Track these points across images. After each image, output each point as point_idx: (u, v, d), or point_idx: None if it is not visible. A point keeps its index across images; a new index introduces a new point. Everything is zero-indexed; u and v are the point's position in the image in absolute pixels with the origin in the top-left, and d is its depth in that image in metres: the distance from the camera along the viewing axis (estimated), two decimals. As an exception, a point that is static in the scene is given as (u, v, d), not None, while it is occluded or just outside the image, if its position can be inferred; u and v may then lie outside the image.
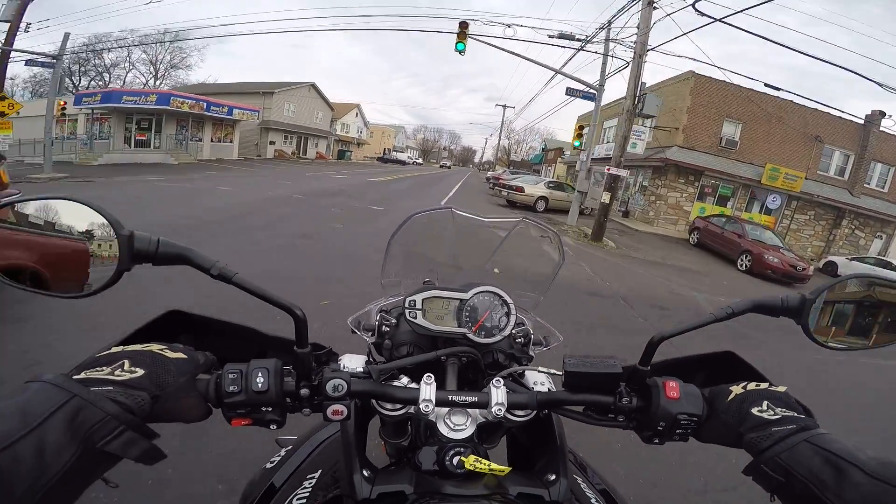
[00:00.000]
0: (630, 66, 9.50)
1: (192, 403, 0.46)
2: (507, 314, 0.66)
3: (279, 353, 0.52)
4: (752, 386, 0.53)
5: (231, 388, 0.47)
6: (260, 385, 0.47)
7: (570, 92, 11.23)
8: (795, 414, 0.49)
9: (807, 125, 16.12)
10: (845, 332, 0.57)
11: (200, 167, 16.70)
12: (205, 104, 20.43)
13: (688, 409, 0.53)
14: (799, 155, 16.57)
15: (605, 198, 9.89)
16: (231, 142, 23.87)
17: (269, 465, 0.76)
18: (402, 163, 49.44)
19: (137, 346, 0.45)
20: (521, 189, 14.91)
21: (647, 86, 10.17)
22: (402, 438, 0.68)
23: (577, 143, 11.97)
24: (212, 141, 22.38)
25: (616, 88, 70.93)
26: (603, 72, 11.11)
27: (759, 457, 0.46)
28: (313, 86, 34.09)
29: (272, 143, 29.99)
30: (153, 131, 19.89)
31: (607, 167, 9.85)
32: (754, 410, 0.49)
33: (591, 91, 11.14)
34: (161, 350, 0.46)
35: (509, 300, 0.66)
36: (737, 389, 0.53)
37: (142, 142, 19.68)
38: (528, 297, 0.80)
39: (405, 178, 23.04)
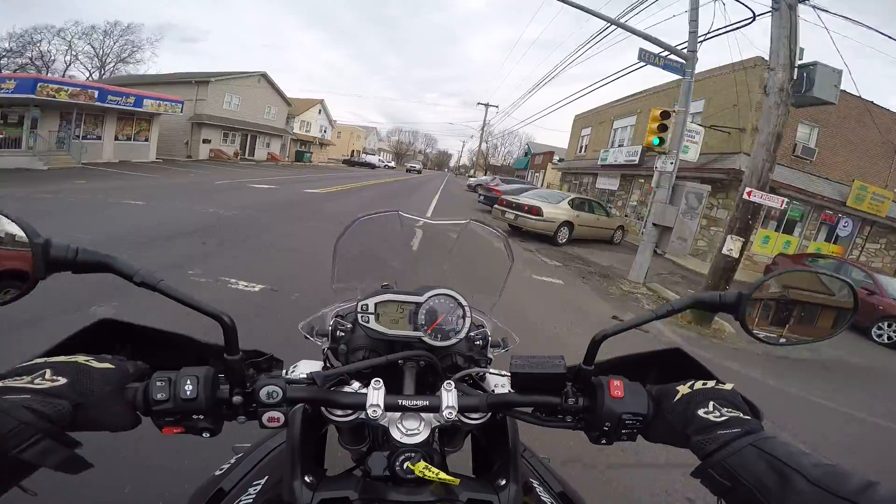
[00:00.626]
0: (773, 17, 5.24)
1: (117, 412, 0.45)
2: (463, 317, 0.65)
3: (219, 363, 0.51)
4: (699, 385, 0.52)
5: (159, 396, 0.46)
6: (188, 392, 0.46)
7: (645, 56, 6.88)
8: (741, 415, 0.48)
9: (890, 131, 12.59)
10: (777, 328, 0.61)
11: (77, 174, 11.76)
12: (97, 92, 14.94)
13: (632, 409, 0.52)
14: (877, 168, 13.04)
15: (733, 248, 5.48)
16: (146, 140, 18.31)
17: (217, 472, 0.73)
18: (372, 166, 45.73)
19: (62, 358, 0.45)
20: (537, 211, 10.03)
21: (688, 74, 6.53)
22: (362, 445, 0.66)
23: (655, 142, 7.01)
24: (117, 139, 16.90)
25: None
26: (695, 33, 6.83)
27: (705, 460, 0.46)
28: (264, 76, 29.17)
29: (206, 141, 24.57)
30: (27, 127, 14.18)
31: (747, 191, 5.40)
32: (700, 412, 0.49)
33: (677, 59, 6.83)
34: (87, 361, 0.45)
35: (464, 303, 0.66)
36: (683, 389, 0.52)
37: (6, 141, 13.89)
38: (484, 298, 0.80)
39: (363, 189, 17.11)
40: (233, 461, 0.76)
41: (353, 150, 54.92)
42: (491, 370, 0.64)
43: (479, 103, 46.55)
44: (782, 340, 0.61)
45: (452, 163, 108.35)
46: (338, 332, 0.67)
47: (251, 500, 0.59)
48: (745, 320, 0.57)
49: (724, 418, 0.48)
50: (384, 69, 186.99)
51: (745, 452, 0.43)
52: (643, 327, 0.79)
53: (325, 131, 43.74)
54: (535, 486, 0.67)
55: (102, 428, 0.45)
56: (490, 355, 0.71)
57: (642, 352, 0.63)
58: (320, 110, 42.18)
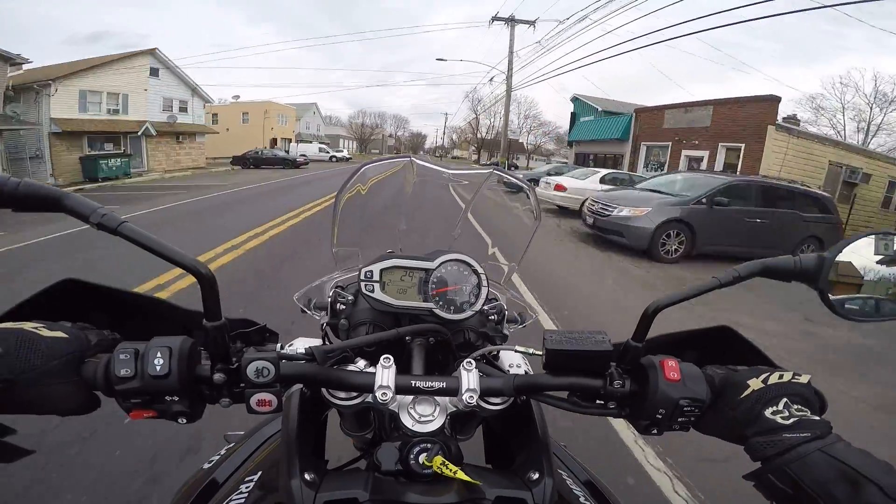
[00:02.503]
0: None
1: (66, 391, 0.39)
2: (479, 286, 0.60)
3: (201, 334, 0.44)
4: (773, 378, 0.46)
5: (122, 372, 0.39)
6: (158, 368, 0.39)
7: None
8: (810, 414, 0.44)
9: None
10: (867, 299, 0.50)
11: None
12: None
13: (691, 394, 0.46)
14: None
15: None
16: None
17: (207, 465, 0.68)
18: (293, 163, 27.27)
19: (7, 324, 0.39)
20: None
21: None
22: (366, 431, 0.63)
23: None
24: None
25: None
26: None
27: (765, 464, 0.42)
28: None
29: None
30: None
31: None
32: (768, 412, 0.44)
33: None
34: (35, 328, 0.39)
35: (480, 270, 0.60)
36: (755, 384, 0.46)
37: None
38: (500, 267, 0.76)
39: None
40: (223, 452, 0.71)
41: (274, 140, 38.72)
42: (517, 347, 0.56)
43: (495, 18, 21.70)
44: (875, 314, 0.51)
45: (429, 144, 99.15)
46: (338, 304, 0.62)
47: (242, 500, 0.52)
48: (826, 290, 0.49)
49: (792, 420, 0.43)
50: (344, 57, 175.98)
51: (812, 458, 0.40)
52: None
53: (181, 109, 22.07)
54: (564, 476, 0.61)
55: (46, 411, 0.39)
56: (506, 331, 0.66)
57: (685, 330, 0.58)
58: (154, 70, 20.09)
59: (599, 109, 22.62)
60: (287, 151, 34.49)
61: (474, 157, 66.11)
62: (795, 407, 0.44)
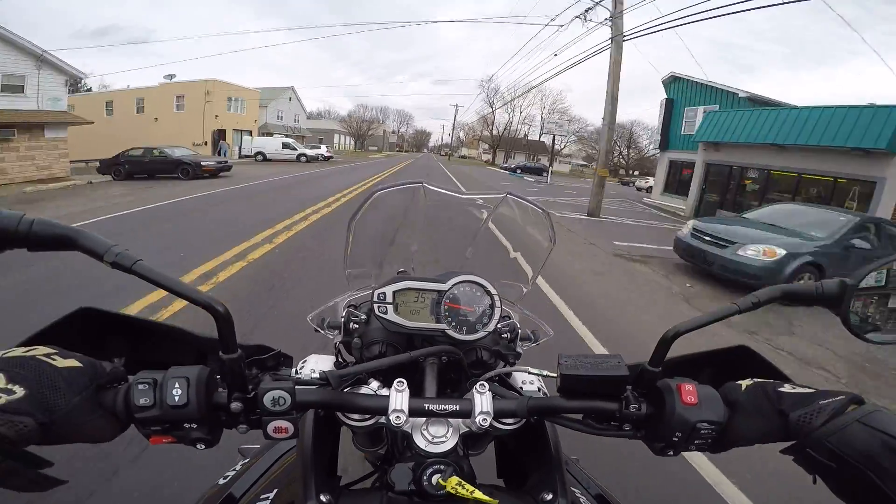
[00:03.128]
0: None
1: (95, 422, 0.39)
2: (492, 307, 0.60)
3: (216, 360, 0.45)
4: (759, 378, 0.48)
5: (142, 402, 0.40)
6: (177, 398, 0.40)
7: None
8: (831, 389, 0.44)
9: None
10: (891, 324, 0.52)
11: None
12: None
13: (708, 416, 0.47)
14: None
15: None
16: None
17: (222, 481, 0.69)
18: (193, 170, 14.29)
19: (18, 351, 0.38)
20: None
21: None
22: (379, 447, 0.63)
23: None
24: None
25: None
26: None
27: (805, 439, 0.42)
28: None
29: None
30: None
31: None
32: (783, 389, 0.45)
33: None
34: (48, 356, 0.38)
35: (493, 291, 0.61)
36: (745, 382, 0.49)
37: None
38: (513, 287, 0.77)
39: None
40: (238, 467, 0.72)
41: (221, 131, 27.44)
42: (530, 369, 0.58)
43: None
44: None
45: (433, 142, 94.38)
46: (351, 323, 0.63)
47: None
48: (848, 316, 0.49)
49: (813, 390, 0.43)
50: (348, 54, 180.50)
51: (852, 430, 0.39)
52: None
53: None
54: (578, 495, 0.61)
55: (79, 440, 0.39)
56: (519, 349, 0.66)
57: (701, 351, 0.58)
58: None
59: (740, 95, 15.32)
60: (240, 147, 27.54)
61: (485, 156, 61.41)
62: (802, 387, 0.45)
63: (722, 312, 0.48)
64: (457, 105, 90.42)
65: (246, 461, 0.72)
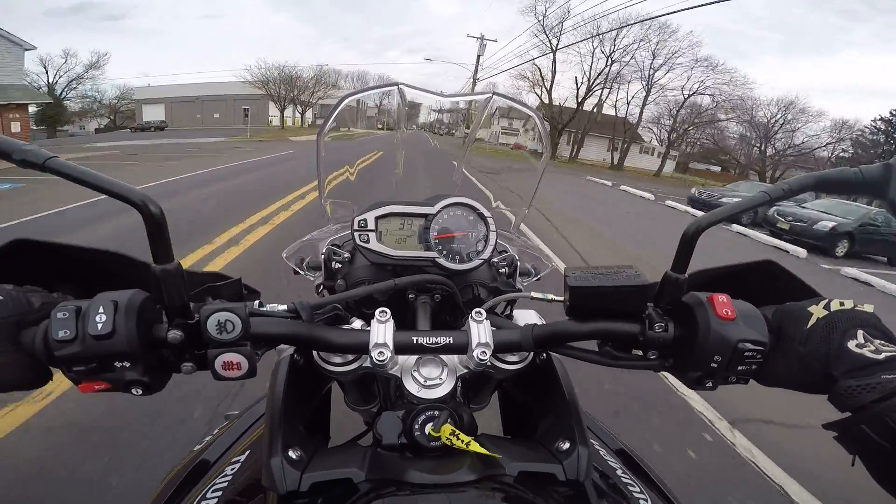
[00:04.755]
0: None
1: (3, 362, 0.34)
2: (486, 232, 0.56)
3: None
4: (835, 305, 0.40)
5: (61, 335, 0.33)
6: (100, 327, 0.33)
7: None
8: None
9: None
10: None
11: None
12: None
13: (751, 335, 0.39)
14: None
15: None
16: None
17: (198, 446, 0.65)
18: None
19: None
20: None
21: None
22: (372, 404, 0.57)
23: None
24: None
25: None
26: None
27: (859, 412, 0.36)
28: None
29: None
30: None
31: None
32: (851, 345, 0.38)
33: None
34: None
35: (487, 214, 0.56)
36: (817, 311, 0.40)
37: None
38: (509, 214, 0.70)
39: None
40: (216, 431, 0.67)
41: None
42: (533, 293, 0.51)
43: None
44: None
45: (424, 118, 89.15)
46: (333, 263, 0.59)
47: (226, 483, 0.49)
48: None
49: (883, 355, 0.37)
50: (338, 29, 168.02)
51: None
52: None
53: None
54: (597, 447, 0.57)
55: None
56: (519, 285, 0.62)
57: (723, 265, 0.51)
58: None
59: None
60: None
61: (522, 140, 35.04)
62: (879, 342, 0.38)
63: (750, 202, 0.43)
64: (441, 92, 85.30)
65: (224, 425, 0.68)
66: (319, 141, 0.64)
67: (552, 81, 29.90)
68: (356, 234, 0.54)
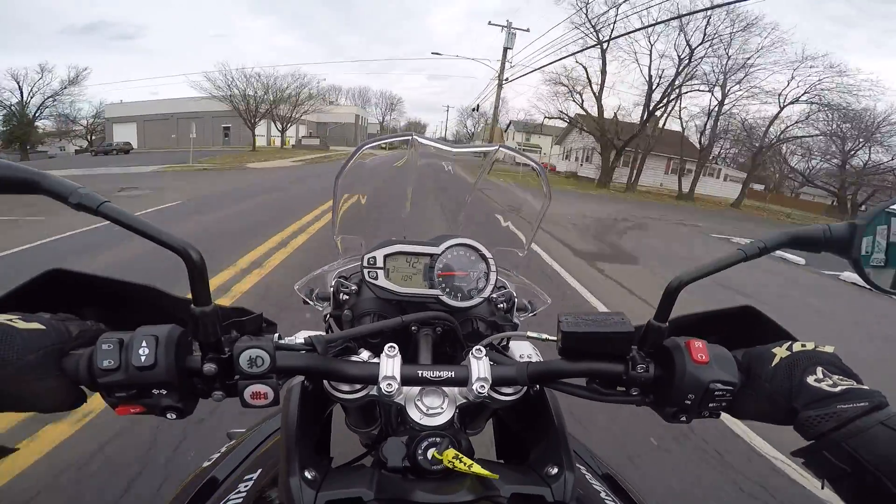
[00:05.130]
0: None
1: (46, 387, 0.37)
2: (487, 272, 0.59)
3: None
4: (797, 346, 0.45)
5: (105, 364, 0.37)
6: (143, 359, 0.37)
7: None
8: (856, 384, 0.41)
9: None
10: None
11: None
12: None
13: (721, 376, 0.44)
14: None
15: None
16: None
17: (206, 463, 0.68)
18: None
19: None
20: None
21: None
22: (372, 427, 0.61)
23: None
24: None
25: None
26: None
27: (819, 440, 0.40)
28: None
29: None
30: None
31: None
32: (810, 380, 0.42)
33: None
34: (9, 320, 0.37)
35: (488, 254, 0.60)
36: (780, 352, 0.45)
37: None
38: (508, 254, 0.75)
39: None
40: (223, 449, 0.70)
41: None
42: (529, 333, 0.55)
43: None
44: None
45: (430, 132, 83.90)
46: (341, 295, 0.62)
47: (240, 500, 0.52)
48: (860, 260, 0.47)
49: (839, 388, 0.41)
50: (345, 50, 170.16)
51: (874, 433, 0.37)
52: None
53: None
54: (583, 471, 0.61)
55: (26, 408, 0.37)
56: (516, 320, 0.65)
57: (705, 311, 0.56)
58: None
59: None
60: None
61: (559, 163, 32.35)
62: (836, 377, 0.42)
63: (727, 260, 0.46)
64: (448, 107, 79.07)
65: (231, 443, 0.71)
66: (337, 183, 0.67)
67: (601, 85, 22.77)
68: (365, 271, 0.56)
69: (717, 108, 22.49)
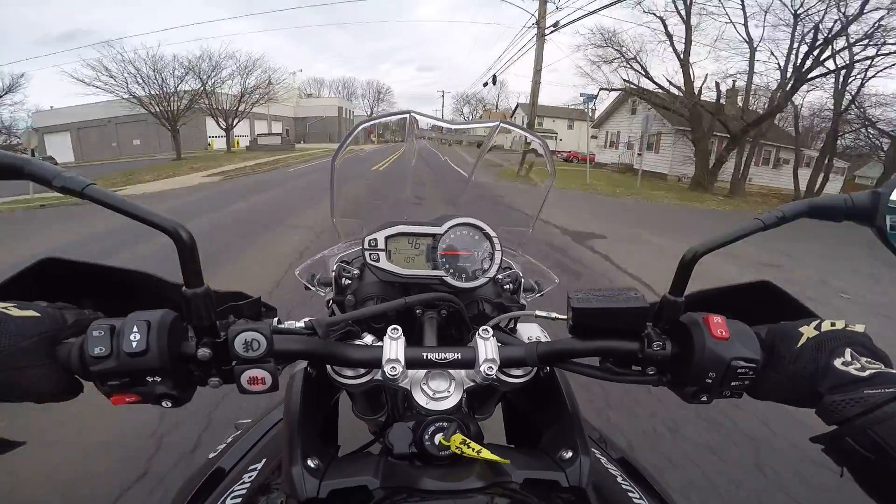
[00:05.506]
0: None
1: (39, 375, 0.37)
2: (492, 251, 0.58)
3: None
4: (826, 325, 0.43)
5: (97, 351, 0.36)
6: (135, 345, 0.36)
7: None
8: (884, 368, 0.40)
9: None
10: None
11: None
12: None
13: (744, 353, 0.42)
14: None
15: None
16: None
17: (212, 454, 0.67)
18: None
19: None
20: None
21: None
22: (380, 414, 0.60)
23: None
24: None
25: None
26: None
27: (844, 426, 0.39)
28: None
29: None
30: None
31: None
32: (837, 363, 0.41)
33: None
34: (4, 308, 0.37)
35: (492, 233, 0.58)
36: (808, 331, 0.43)
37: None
38: (513, 233, 0.72)
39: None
40: (229, 440, 0.69)
41: None
42: (538, 312, 0.54)
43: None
44: None
45: (424, 120, 77.02)
46: (343, 279, 0.61)
47: (244, 490, 0.52)
48: (884, 227, 0.45)
49: (868, 372, 0.39)
50: (330, 47, 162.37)
51: None
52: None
53: None
54: (598, 455, 0.59)
55: (19, 397, 0.37)
56: (523, 300, 0.64)
57: (721, 286, 0.54)
58: None
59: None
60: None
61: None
62: (865, 359, 0.41)
63: (745, 230, 0.44)
64: (443, 92, 72.07)
65: (237, 433, 0.70)
66: (334, 164, 0.66)
67: (686, 50, 15.41)
68: (367, 253, 0.55)
69: (856, 79, 14.24)
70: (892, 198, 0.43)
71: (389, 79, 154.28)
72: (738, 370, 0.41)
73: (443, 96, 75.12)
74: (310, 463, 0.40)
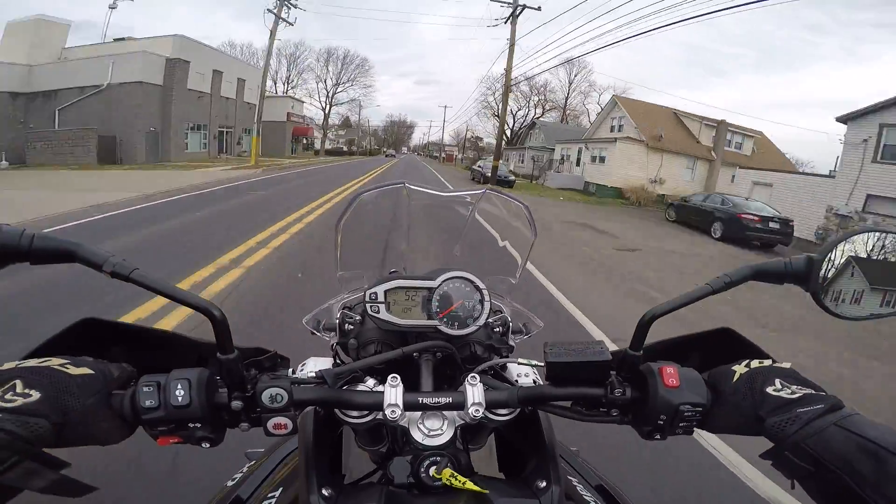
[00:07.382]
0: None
1: (106, 424, 0.42)
2: (481, 301, 0.63)
3: (216, 363, 0.48)
4: (755, 363, 0.50)
5: (147, 403, 0.43)
6: (180, 399, 0.43)
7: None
8: (814, 391, 0.45)
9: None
10: (862, 297, 0.51)
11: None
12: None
13: (690, 399, 0.49)
14: None
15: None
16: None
17: (230, 483, 0.74)
18: None
19: (33, 362, 0.42)
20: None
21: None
22: (380, 445, 0.65)
23: None
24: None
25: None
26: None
27: (781, 443, 0.43)
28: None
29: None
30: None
31: None
32: (769, 390, 0.46)
33: None
34: (62, 366, 0.41)
35: (482, 285, 0.63)
36: (740, 369, 0.50)
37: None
38: (502, 280, 0.80)
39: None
40: (245, 469, 0.76)
41: None
42: (520, 360, 0.60)
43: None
44: (870, 312, 0.52)
45: (417, 139, 79.25)
46: (346, 325, 0.66)
47: None
48: (818, 291, 0.50)
49: (797, 395, 0.44)
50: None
51: (829, 433, 0.40)
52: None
53: None
54: (575, 483, 0.65)
55: (91, 442, 0.42)
56: (511, 342, 0.70)
57: (686, 334, 0.61)
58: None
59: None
60: None
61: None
62: (794, 386, 0.45)
63: (696, 294, 0.50)
64: (445, 106, 73.01)
65: (252, 464, 0.76)
66: (339, 227, 0.72)
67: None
68: (368, 306, 0.60)
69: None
70: (824, 264, 0.49)
71: (387, 90, 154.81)
72: (686, 413, 0.48)
73: (444, 111, 76.43)
74: (324, 492, 0.46)
